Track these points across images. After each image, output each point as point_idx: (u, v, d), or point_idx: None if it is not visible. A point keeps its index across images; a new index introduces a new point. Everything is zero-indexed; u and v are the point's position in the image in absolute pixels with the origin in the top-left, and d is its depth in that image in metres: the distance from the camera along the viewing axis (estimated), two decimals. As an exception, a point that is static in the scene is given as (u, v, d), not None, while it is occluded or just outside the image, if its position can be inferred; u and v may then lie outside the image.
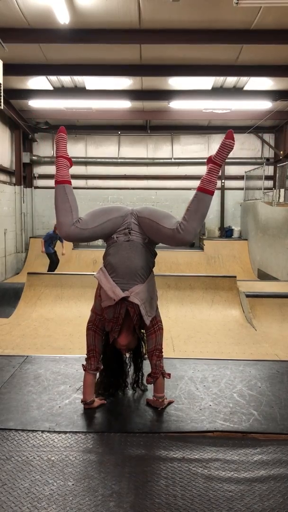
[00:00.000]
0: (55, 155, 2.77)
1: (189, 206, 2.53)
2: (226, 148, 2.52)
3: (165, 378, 2.84)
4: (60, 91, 10.67)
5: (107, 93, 10.60)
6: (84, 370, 2.80)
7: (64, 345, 6.20)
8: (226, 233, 14.08)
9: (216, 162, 2.51)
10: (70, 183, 2.69)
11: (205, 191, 2.47)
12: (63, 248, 10.54)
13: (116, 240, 2.66)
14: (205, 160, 2.64)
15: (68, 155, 2.77)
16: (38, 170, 14.16)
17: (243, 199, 14.12)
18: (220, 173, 14.47)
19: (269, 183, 12.81)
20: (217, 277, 8.48)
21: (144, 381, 2.97)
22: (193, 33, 7.34)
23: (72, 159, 2.81)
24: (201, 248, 13.25)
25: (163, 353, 2.83)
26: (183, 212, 2.56)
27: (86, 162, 14.06)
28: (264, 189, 12.03)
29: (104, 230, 2.68)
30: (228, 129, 2.59)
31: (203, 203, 2.48)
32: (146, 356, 2.95)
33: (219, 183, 13.95)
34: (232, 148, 2.53)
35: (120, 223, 2.68)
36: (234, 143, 2.53)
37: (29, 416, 2.72)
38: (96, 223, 2.64)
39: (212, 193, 2.49)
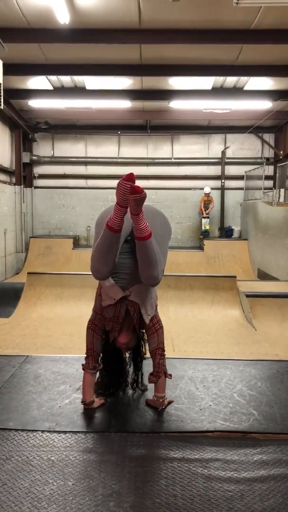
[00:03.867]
0: (121, 203, 2.37)
1: (138, 257, 2.51)
2: (134, 201, 2.34)
3: (166, 378, 2.84)
4: (60, 91, 10.67)
5: (107, 93, 10.59)
6: (83, 369, 2.81)
7: (64, 345, 6.20)
8: (226, 233, 14.08)
9: (133, 214, 2.42)
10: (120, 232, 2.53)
11: (141, 239, 2.44)
12: None
13: None
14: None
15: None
16: (38, 170, 14.14)
17: (243, 199, 14.11)
18: (221, 174, 14.33)
19: (269, 183, 12.80)
20: (217, 277, 8.48)
21: (145, 381, 2.98)
22: (193, 33, 7.33)
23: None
24: (201, 248, 13.25)
25: (165, 352, 2.84)
26: None
27: (86, 162, 14.03)
28: (264, 189, 12.01)
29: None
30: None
31: (145, 250, 2.46)
32: (145, 355, 2.96)
33: (219, 183, 13.97)
34: (141, 198, 2.32)
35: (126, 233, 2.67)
36: (141, 194, 2.31)
37: (29, 416, 2.72)
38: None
39: (148, 238, 2.44)
